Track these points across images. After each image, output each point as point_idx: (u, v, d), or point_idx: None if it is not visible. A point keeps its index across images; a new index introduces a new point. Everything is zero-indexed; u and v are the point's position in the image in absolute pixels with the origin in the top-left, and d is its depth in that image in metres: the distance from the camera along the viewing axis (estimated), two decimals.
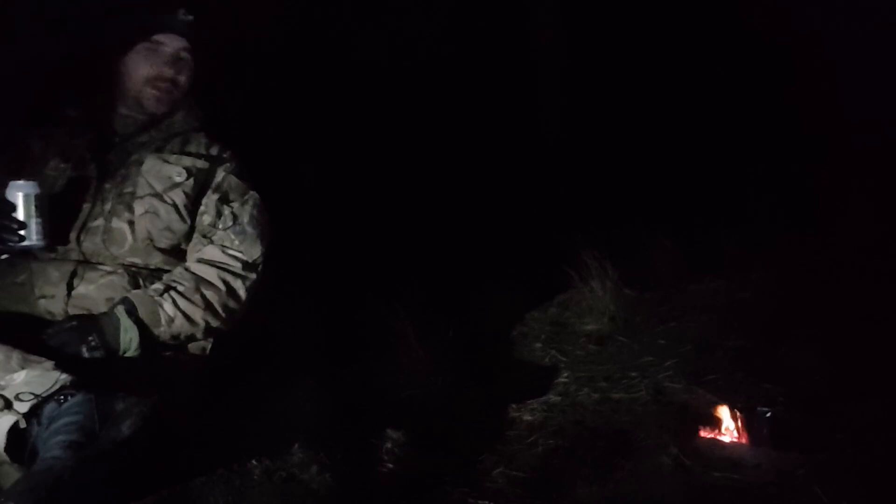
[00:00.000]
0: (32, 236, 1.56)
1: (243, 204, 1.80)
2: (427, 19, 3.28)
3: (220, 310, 1.69)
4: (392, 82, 3.16)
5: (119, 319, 1.58)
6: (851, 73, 3.89)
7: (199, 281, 1.68)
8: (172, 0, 1.83)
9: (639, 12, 3.99)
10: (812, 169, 3.63)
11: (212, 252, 1.73)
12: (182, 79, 1.84)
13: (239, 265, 1.73)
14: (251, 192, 1.83)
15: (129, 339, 1.57)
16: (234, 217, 1.77)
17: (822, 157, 3.66)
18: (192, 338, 1.69)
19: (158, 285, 1.66)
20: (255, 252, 1.76)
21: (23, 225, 1.55)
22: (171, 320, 1.62)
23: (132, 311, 1.59)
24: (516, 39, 3.83)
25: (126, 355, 1.58)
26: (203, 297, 1.67)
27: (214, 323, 1.69)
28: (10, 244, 1.56)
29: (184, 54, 1.83)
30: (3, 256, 1.61)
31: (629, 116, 3.90)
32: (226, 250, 1.74)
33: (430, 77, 3.27)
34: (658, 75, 4.00)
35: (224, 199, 1.79)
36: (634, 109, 3.90)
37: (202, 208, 1.78)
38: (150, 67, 1.81)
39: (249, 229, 1.77)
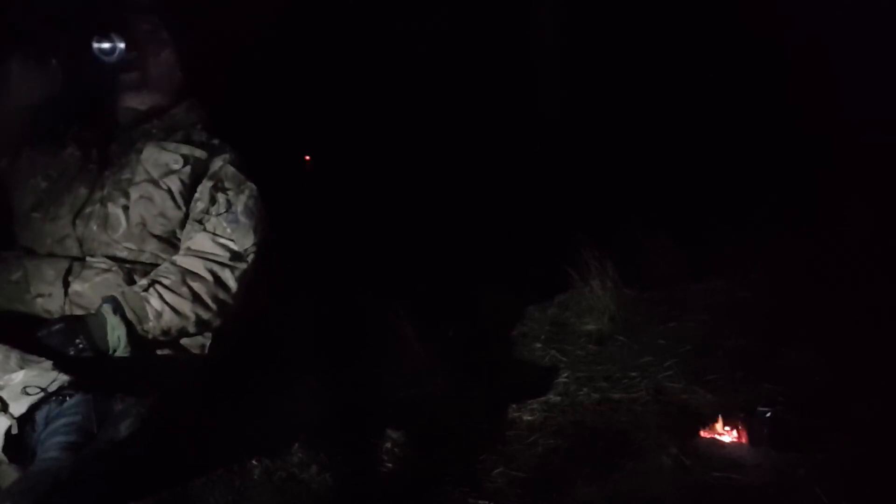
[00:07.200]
0: None
1: (238, 193, 1.76)
2: (429, 18, 3.28)
3: (209, 301, 1.64)
4: (392, 81, 3.16)
5: (105, 318, 1.55)
6: (851, 73, 3.90)
7: (186, 273, 1.64)
8: None
9: (639, 12, 3.99)
10: (812, 169, 3.63)
11: (201, 241, 1.69)
12: (151, 61, 1.76)
13: (228, 255, 1.68)
14: (248, 184, 1.78)
15: (116, 337, 1.54)
16: (228, 204, 1.73)
17: (822, 157, 3.67)
18: (183, 332, 1.65)
19: (144, 281, 1.63)
20: (246, 242, 1.71)
21: None
22: (159, 315, 1.59)
23: (118, 309, 1.56)
24: (516, 39, 3.84)
25: (116, 354, 1.55)
26: (190, 288, 1.62)
27: (205, 315, 1.64)
28: None
29: (147, 35, 1.75)
30: None
31: (630, 116, 3.91)
32: (216, 238, 1.69)
33: (429, 76, 3.27)
34: (659, 75, 4.00)
35: (219, 187, 1.75)
36: (635, 109, 3.90)
37: (196, 195, 1.74)
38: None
39: (243, 219, 1.72)
